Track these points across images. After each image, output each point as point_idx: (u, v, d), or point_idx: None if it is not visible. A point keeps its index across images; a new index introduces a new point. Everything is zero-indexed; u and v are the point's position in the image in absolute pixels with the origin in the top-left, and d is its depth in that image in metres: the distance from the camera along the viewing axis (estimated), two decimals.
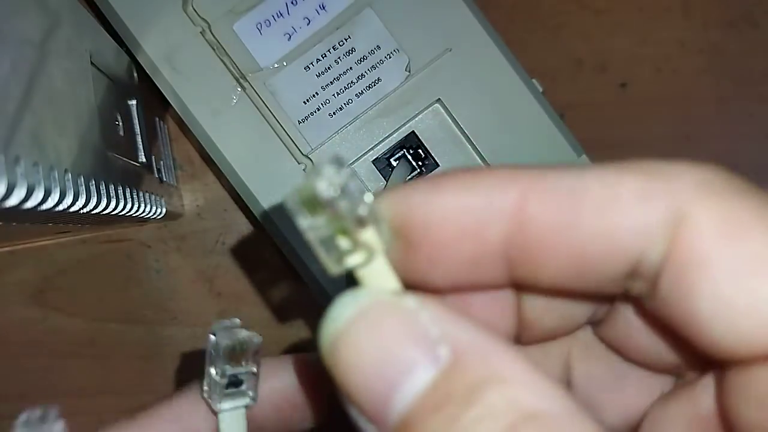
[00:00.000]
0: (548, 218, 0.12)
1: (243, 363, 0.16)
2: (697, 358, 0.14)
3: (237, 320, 0.17)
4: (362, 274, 0.13)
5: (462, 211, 0.13)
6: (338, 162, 0.12)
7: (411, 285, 0.14)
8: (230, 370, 0.16)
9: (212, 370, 0.16)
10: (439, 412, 0.11)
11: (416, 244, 0.13)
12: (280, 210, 0.30)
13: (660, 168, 0.12)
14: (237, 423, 0.17)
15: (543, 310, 0.15)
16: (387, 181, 0.30)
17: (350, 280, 0.13)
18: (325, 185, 0.12)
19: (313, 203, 0.12)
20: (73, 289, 0.36)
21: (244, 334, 0.16)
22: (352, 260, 0.12)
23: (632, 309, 0.15)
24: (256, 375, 0.16)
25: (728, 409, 0.13)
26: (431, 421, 0.11)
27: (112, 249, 0.36)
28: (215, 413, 0.17)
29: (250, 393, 0.16)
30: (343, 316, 0.12)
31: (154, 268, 0.36)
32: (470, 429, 0.10)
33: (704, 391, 0.14)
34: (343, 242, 0.12)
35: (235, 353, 0.16)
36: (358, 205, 0.12)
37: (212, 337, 0.16)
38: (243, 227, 0.36)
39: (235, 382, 0.16)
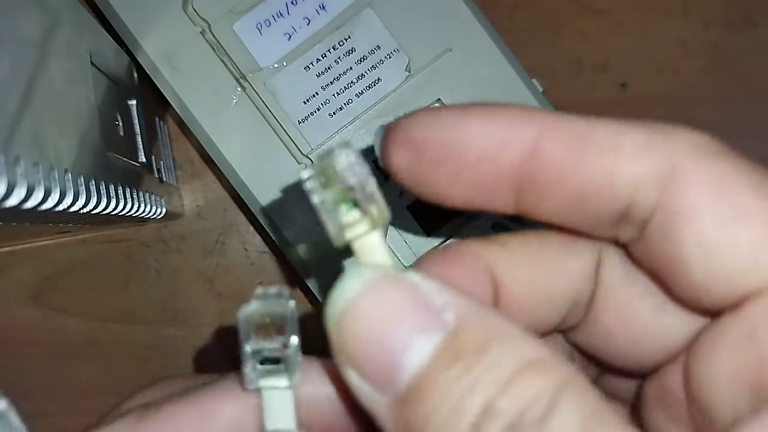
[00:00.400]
0: (558, 154, 0.14)
1: (275, 337, 0.14)
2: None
3: (284, 291, 0.15)
4: (360, 248, 0.14)
5: (486, 136, 0.14)
6: (348, 145, 0.14)
7: (428, 199, 0.15)
8: (259, 344, 0.14)
9: (244, 346, 0.14)
10: (453, 365, 0.12)
11: (441, 159, 0.14)
12: (279, 209, 0.30)
13: (662, 127, 0.14)
14: (283, 404, 0.15)
15: (516, 310, 0.16)
16: (387, 180, 0.30)
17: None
18: (344, 160, 0.13)
19: (325, 179, 0.13)
20: (73, 289, 0.36)
21: (277, 305, 0.15)
22: (354, 231, 0.14)
23: (604, 316, 0.16)
24: (294, 350, 0.14)
25: (695, 378, 0.14)
26: (445, 374, 0.12)
27: (112, 249, 0.36)
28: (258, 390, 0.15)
29: (289, 372, 0.14)
30: (350, 290, 0.13)
31: (154, 268, 0.36)
32: (483, 376, 0.12)
33: (671, 370, 0.15)
34: (348, 216, 0.14)
35: (265, 326, 0.14)
36: (365, 182, 0.13)
37: (243, 307, 0.15)
38: (243, 227, 0.36)
39: (270, 359, 0.15)
